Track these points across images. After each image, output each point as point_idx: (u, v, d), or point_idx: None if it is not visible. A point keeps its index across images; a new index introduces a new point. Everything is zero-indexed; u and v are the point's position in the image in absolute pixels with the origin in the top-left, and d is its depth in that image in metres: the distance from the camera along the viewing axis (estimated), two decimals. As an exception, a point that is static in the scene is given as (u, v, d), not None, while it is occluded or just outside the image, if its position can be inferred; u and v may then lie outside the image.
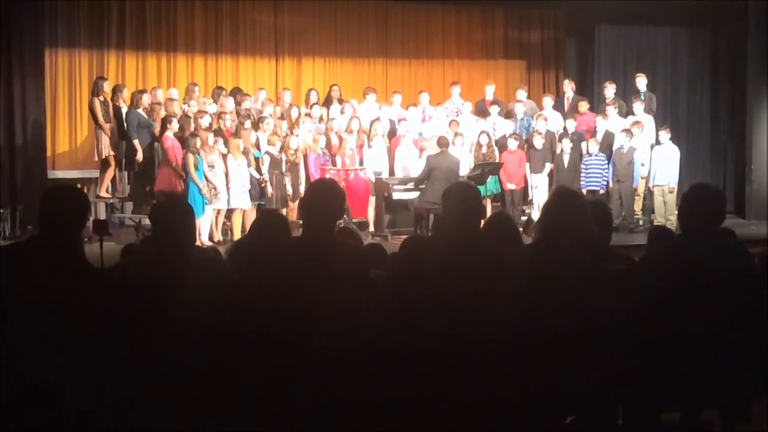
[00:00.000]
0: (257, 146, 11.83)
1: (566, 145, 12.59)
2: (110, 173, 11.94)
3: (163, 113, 11.74)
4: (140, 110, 11.84)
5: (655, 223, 12.00)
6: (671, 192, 12.34)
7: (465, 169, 12.19)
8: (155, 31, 14.16)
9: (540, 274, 3.79)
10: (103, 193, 11.93)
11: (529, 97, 14.14)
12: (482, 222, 4.38)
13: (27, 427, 3.40)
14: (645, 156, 12.60)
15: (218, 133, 11.38)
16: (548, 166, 12.77)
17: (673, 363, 3.90)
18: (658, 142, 12.70)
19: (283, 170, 11.68)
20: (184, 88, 13.14)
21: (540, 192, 12.60)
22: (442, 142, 11.51)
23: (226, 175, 11.13)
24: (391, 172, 12.55)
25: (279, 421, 3.58)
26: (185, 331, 3.48)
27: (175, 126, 11.26)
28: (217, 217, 11.22)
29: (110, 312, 3.48)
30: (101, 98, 11.80)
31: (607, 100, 13.34)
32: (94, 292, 3.50)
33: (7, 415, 3.37)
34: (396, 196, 12.07)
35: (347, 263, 3.73)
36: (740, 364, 3.98)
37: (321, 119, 12.95)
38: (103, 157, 11.77)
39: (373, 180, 12.21)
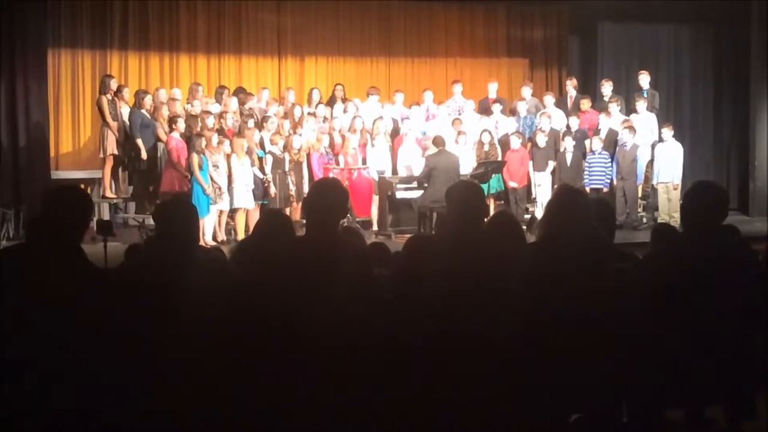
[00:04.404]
0: (261, 146, 11.84)
1: (569, 143, 12.59)
2: (108, 170, 11.94)
3: (166, 113, 11.76)
4: (143, 110, 11.85)
5: (659, 221, 12.01)
6: (675, 189, 12.32)
7: (467, 168, 12.19)
8: (158, 30, 14.16)
9: (544, 273, 3.80)
10: (108, 194, 11.95)
11: (532, 95, 14.13)
12: (485, 220, 4.38)
13: (29, 427, 3.40)
14: (645, 153, 12.66)
15: (220, 132, 11.40)
16: (551, 164, 12.76)
17: (677, 360, 3.90)
18: (661, 140, 12.69)
19: (287, 170, 11.69)
20: (187, 87, 13.15)
21: (543, 190, 12.60)
22: (438, 141, 11.53)
23: (230, 175, 11.14)
24: (394, 171, 12.55)
25: (283, 420, 3.58)
26: (189, 331, 3.49)
27: (181, 126, 11.28)
28: (220, 217, 11.24)
29: (114, 312, 3.48)
30: (108, 96, 11.84)
31: (606, 98, 13.35)
32: (98, 292, 3.51)
33: (9, 415, 3.37)
34: (399, 195, 12.08)
35: (351, 262, 3.73)
36: (744, 361, 3.97)
37: (325, 119, 12.95)
38: (108, 154, 11.79)
39: (377, 179, 12.21)
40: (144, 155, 11.68)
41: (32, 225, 3.63)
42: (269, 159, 11.62)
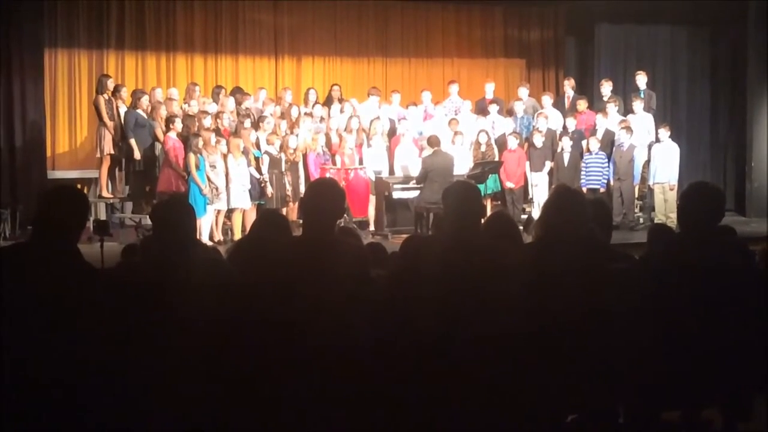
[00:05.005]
0: (257, 146, 11.84)
1: (566, 143, 12.60)
2: (105, 170, 11.94)
3: (163, 113, 11.75)
4: (139, 110, 11.84)
5: (655, 221, 12.02)
6: (671, 189, 12.35)
7: (464, 168, 12.20)
8: (154, 30, 14.16)
9: (540, 273, 3.79)
10: (105, 193, 11.94)
11: (529, 96, 14.14)
12: (482, 221, 4.38)
13: (28, 427, 3.40)
14: (642, 154, 12.70)
15: (216, 132, 11.39)
16: (548, 165, 12.78)
17: (673, 361, 3.90)
18: (657, 140, 12.72)
19: (283, 170, 11.69)
20: (184, 87, 13.15)
21: (540, 190, 12.62)
22: (433, 142, 11.53)
23: (227, 174, 11.14)
24: (391, 171, 12.55)
25: (280, 420, 3.58)
26: (186, 331, 3.48)
27: (178, 126, 11.28)
28: (217, 217, 11.23)
29: (111, 312, 3.48)
30: (106, 96, 11.83)
31: (605, 98, 13.37)
32: (94, 292, 3.50)
33: (7, 416, 3.37)
34: (396, 195, 12.07)
35: (348, 263, 3.73)
36: (741, 363, 3.98)
37: (322, 119, 12.95)
38: (105, 154, 11.79)
39: (373, 179, 12.21)
40: (137, 155, 11.67)
41: (32, 225, 3.63)
42: (266, 159, 11.62)
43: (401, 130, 12.86)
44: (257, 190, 11.52)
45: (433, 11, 15.92)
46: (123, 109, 11.97)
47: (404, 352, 3.66)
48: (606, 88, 13.57)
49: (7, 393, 3.36)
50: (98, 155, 11.93)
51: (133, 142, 11.62)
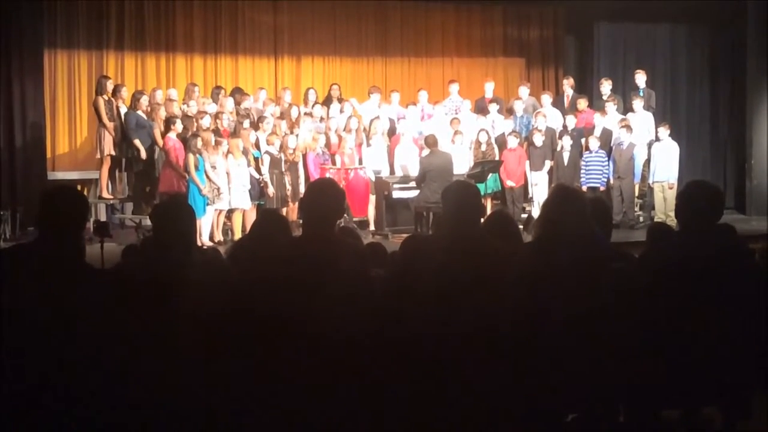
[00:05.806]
0: (257, 146, 11.84)
1: (566, 142, 12.60)
2: (105, 171, 11.93)
3: (163, 114, 11.74)
4: (139, 111, 11.83)
5: (655, 220, 12.03)
6: (671, 188, 12.34)
7: (465, 167, 12.20)
8: (154, 31, 14.15)
9: (540, 272, 3.79)
10: (105, 194, 11.93)
11: (529, 95, 14.13)
12: (482, 220, 4.38)
13: (29, 427, 3.40)
14: (642, 152, 12.69)
15: (215, 133, 11.39)
16: (548, 164, 12.78)
17: (673, 360, 3.90)
18: (657, 139, 12.72)
19: (283, 170, 11.69)
20: (184, 88, 13.14)
21: (540, 189, 12.61)
22: (430, 142, 11.52)
23: (227, 175, 11.14)
24: (391, 171, 12.55)
25: (279, 419, 3.58)
26: (186, 331, 3.49)
27: (178, 127, 11.27)
28: (217, 218, 11.23)
29: (111, 312, 3.48)
30: (105, 97, 11.82)
31: (604, 97, 13.37)
32: (94, 293, 3.50)
33: (8, 415, 3.37)
34: (396, 194, 12.08)
35: (348, 262, 3.73)
36: (740, 361, 3.98)
37: (322, 119, 12.95)
38: (105, 155, 11.78)
39: (373, 179, 12.22)
40: (144, 155, 11.65)
41: (35, 226, 3.63)
42: (266, 159, 11.62)
43: (401, 130, 12.86)
44: (257, 191, 11.53)
45: (433, 11, 15.92)
46: (123, 110, 11.96)
47: (403, 351, 3.67)
48: (605, 86, 13.59)
49: (8, 393, 3.36)
50: (98, 156, 11.92)
51: (138, 142, 11.60)
